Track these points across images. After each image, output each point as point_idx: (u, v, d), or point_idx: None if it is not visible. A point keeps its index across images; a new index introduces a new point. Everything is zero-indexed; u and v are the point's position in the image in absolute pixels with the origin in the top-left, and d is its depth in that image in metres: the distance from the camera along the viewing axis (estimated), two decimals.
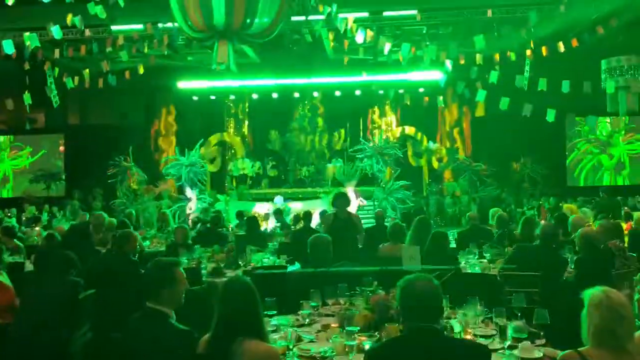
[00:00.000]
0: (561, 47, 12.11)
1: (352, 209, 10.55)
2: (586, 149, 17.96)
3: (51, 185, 17.63)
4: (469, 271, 5.17)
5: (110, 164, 15.35)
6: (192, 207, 13.99)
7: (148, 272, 2.91)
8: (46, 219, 13.57)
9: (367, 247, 7.27)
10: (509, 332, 2.87)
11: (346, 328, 2.72)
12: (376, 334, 2.70)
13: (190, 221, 12.70)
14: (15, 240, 6.83)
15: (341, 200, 7.14)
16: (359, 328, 2.73)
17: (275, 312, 3.13)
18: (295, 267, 6.01)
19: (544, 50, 12.36)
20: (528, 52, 13.33)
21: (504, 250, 5.53)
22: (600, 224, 5.34)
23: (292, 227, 9.31)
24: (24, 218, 14.01)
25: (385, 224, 7.95)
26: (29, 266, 5.95)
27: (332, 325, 2.94)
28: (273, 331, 3.04)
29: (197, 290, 3.79)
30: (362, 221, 7.56)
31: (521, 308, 3.21)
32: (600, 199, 12.36)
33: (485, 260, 5.42)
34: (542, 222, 8.42)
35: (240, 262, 5.74)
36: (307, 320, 3.16)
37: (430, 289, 2.40)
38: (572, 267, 4.71)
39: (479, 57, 11.60)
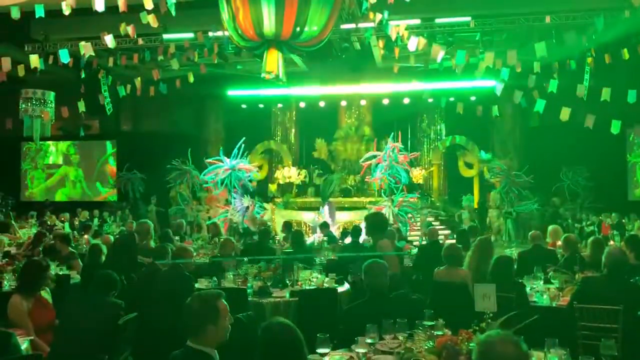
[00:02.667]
0: (626, 54, 11.45)
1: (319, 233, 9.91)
2: None
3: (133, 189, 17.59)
4: (535, 299, 4.78)
5: (169, 168, 15.25)
6: (249, 215, 13.20)
7: (188, 306, 2.61)
8: (97, 224, 13.81)
9: (419, 266, 6.93)
10: None
11: None
12: None
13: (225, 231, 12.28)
14: (70, 248, 6.86)
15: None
16: None
17: (328, 349, 2.88)
18: (345, 286, 5.77)
19: (606, 57, 11.71)
20: (589, 59, 12.71)
21: (574, 276, 5.09)
22: None
23: (340, 241, 9.05)
24: (76, 223, 14.30)
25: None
26: (75, 276, 5.93)
27: None
28: None
29: (242, 318, 3.57)
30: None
31: (612, 356, 2.79)
32: None
33: (552, 288, 5.01)
34: (611, 243, 7.86)
35: (287, 281, 5.54)
36: (363, 359, 2.89)
37: (518, 355, 1.97)
38: None
39: (537, 65, 11.08)
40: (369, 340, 2.98)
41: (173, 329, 2.70)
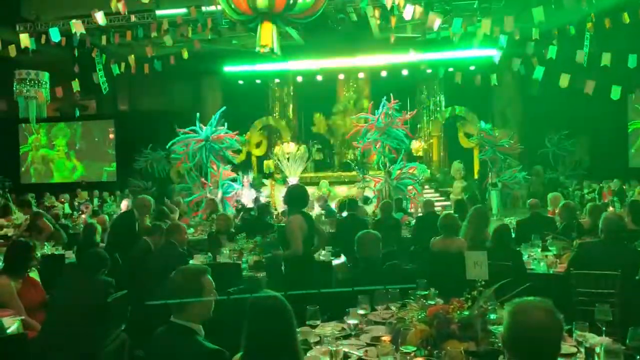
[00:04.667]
0: (626, 18, 11.25)
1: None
2: None
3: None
4: (533, 267, 4.74)
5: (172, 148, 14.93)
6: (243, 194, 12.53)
7: (172, 282, 2.57)
8: (97, 204, 13.81)
9: (415, 238, 6.91)
10: (602, 357, 2.35)
11: (401, 349, 2.42)
12: (435, 352, 2.37)
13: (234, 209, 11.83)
14: (12, 217, 6.84)
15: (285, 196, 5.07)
16: (415, 349, 2.41)
17: (318, 321, 2.86)
18: (341, 259, 5.75)
19: (606, 22, 11.51)
20: (589, 25, 12.49)
21: (571, 243, 5.05)
22: None
23: (337, 215, 9.01)
24: (76, 203, 14.31)
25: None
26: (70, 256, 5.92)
27: (383, 338, 2.64)
28: (317, 342, 2.79)
29: (234, 292, 3.55)
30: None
31: (606, 321, 2.75)
32: None
33: (550, 255, 4.97)
34: (610, 209, 7.81)
35: None
36: (355, 330, 2.87)
37: (551, 322, 1.91)
38: None
39: (535, 32, 10.89)
40: (361, 311, 2.95)
41: (166, 307, 2.67)
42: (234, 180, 12.54)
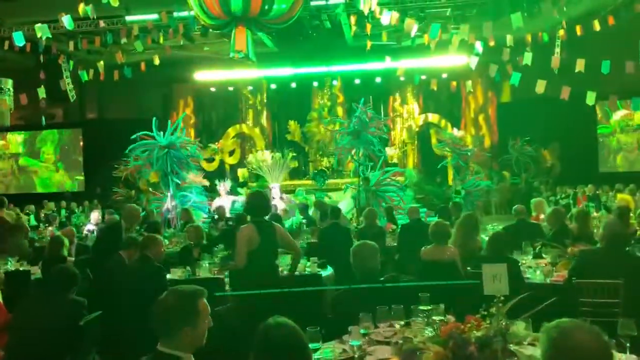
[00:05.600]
0: (596, 25, 11.42)
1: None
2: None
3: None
4: (528, 276, 4.60)
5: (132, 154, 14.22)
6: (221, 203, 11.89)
7: (163, 303, 2.22)
8: (64, 216, 13.29)
9: (400, 246, 6.75)
10: None
11: None
12: None
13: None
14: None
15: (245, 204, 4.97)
16: None
17: (319, 345, 2.63)
18: (328, 271, 5.53)
19: (578, 29, 11.67)
20: (560, 32, 12.66)
21: (565, 250, 4.93)
22: None
23: (319, 224, 8.76)
24: (42, 215, 13.74)
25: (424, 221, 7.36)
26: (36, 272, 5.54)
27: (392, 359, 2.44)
28: None
29: (220, 311, 3.29)
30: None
31: (631, 337, 2.58)
32: None
33: (544, 262, 4.85)
34: (595, 214, 7.79)
35: None
36: (358, 352, 2.64)
37: (600, 346, 1.71)
38: None
39: (509, 39, 10.94)
40: (362, 330, 2.73)
41: (143, 327, 2.38)
42: (207, 188, 12.19)
